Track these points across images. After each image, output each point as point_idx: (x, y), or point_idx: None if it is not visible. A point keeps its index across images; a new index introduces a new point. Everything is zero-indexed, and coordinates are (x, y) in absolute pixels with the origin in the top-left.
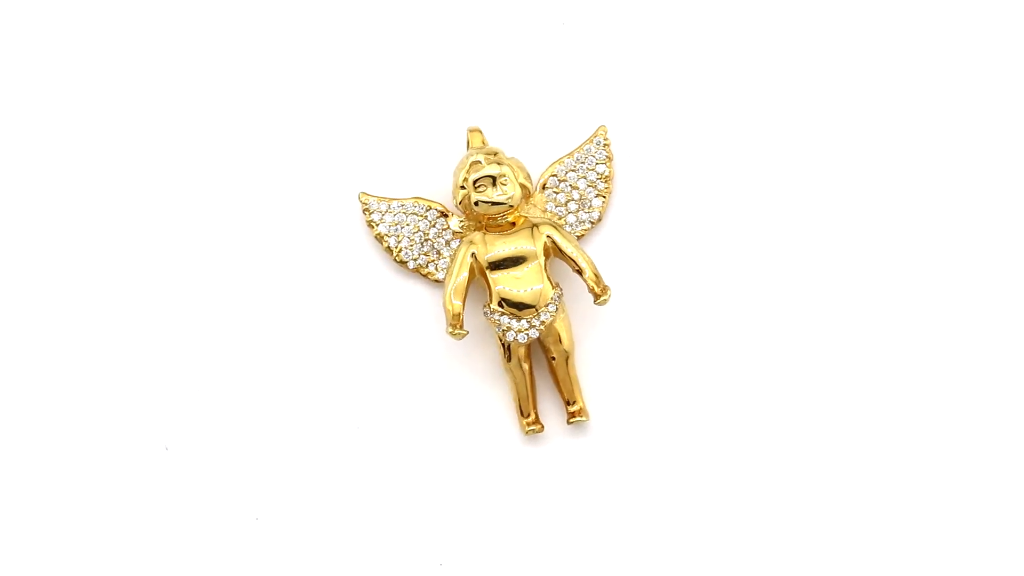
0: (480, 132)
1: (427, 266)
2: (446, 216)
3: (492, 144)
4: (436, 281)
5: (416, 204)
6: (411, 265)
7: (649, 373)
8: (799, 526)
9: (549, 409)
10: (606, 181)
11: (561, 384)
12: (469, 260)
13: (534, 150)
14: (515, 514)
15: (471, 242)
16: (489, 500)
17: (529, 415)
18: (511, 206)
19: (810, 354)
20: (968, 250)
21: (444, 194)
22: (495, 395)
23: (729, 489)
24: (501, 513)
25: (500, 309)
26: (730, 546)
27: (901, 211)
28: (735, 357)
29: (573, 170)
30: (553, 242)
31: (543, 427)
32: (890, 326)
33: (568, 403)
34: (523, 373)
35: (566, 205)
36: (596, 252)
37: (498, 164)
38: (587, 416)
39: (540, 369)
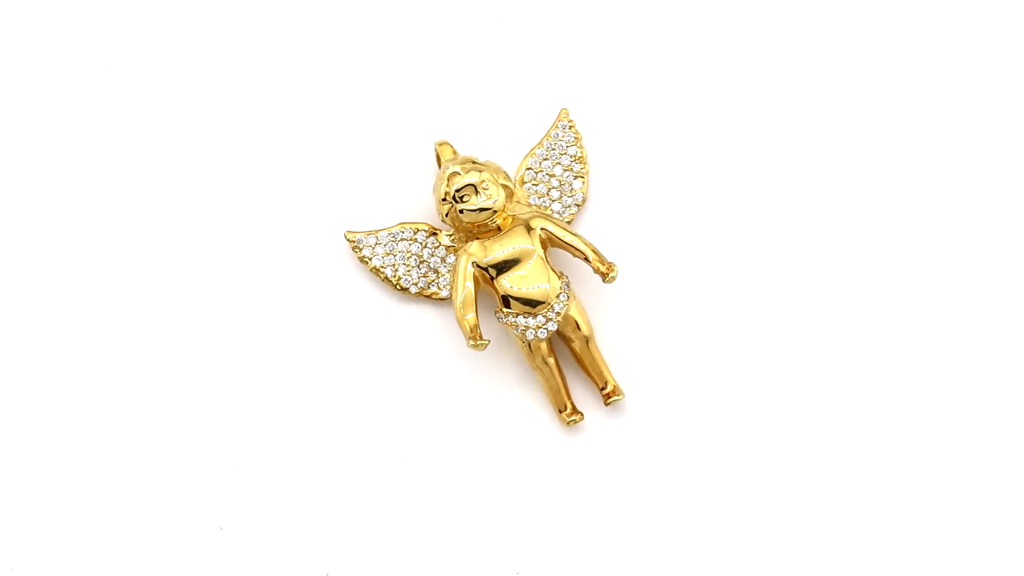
0: (448, 144)
1: (429, 287)
2: (435, 234)
3: (463, 153)
4: (442, 299)
5: (403, 229)
6: (413, 290)
7: (667, 344)
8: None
9: (583, 397)
10: (581, 162)
11: (589, 369)
12: (471, 270)
13: (502, 148)
14: (577, 506)
15: (468, 252)
16: (548, 497)
17: (566, 407)
18: (497, 210)
19: (816, 312)
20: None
21: (425, 212)
22: (529, 396)
23: (770, 450)
24: (564, 509)
25: (513, 310)
26: (781, 512)
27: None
28: (745, 319)
29: (546, 159)
30: (548, 234)
31: (582, 415)
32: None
33: (601, 387)
34: (550, 368)
35: (548, 194)
36: (589, 232)
37: (476, 171)
38: (622, 394)
39: (565, 360)
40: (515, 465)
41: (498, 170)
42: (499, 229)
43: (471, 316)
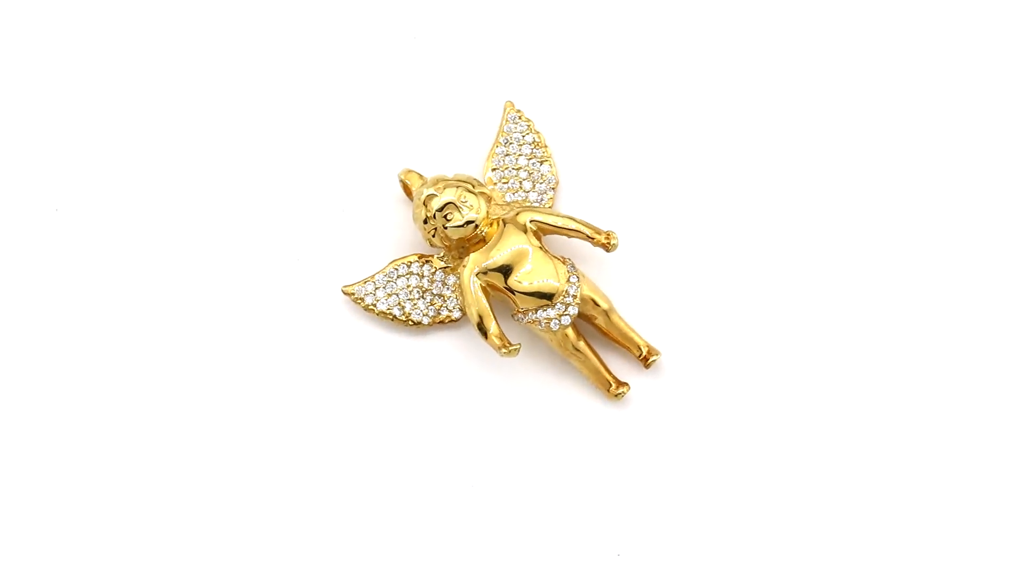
0: (413, 171)
1: (440, 313)
2: (428, 261)
3: (429, 175)
4: (455, 321)
5: (396, 266)
6: (426, 321)
7: (681, 303)
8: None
9: (621, 369)
10: (541, 146)
11: (619, 339)
12: (477, 282)
13: (461, 154)
14: (649, 470)
15: (469, 266)
16: (621, 469)
17: (610, 384)
18: (482, 219)
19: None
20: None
21: (409, 244)
22: (571, 385)
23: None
24: (639, 476)
25: (530, 308)
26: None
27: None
28: (740, 270)
29: (507, 154)
30: (539, 224)
31: (628, 385)
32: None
33: (637, 353)
34: (584, 352)
35: (521, 186)
36: (574, 210)
37: (451, 187)
38: (658, 352)
39: (594, 339)
40: (582, 449)
41: (470, 180)
42: (485, 242)
43: (494, 326)
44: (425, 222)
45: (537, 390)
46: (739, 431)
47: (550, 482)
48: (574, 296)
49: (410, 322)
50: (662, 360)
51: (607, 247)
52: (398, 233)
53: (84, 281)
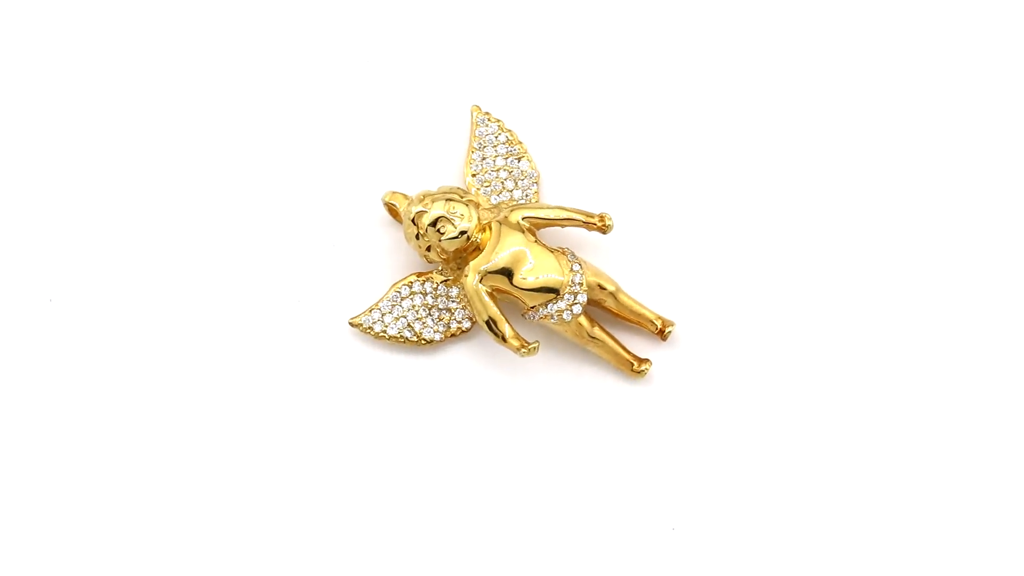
0: (396, 192)
1: (450, 325)
2: (428, 277)
3: (411, 193)
4: (465, 332)
5: (397, 289)
6: (438, 337)
7: (687, 275)
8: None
9: (639, 346)
10: (515, 144)
11: (632, 318)
12: (483, 288)
13: (437, 166)
14: (693, 444)
15: (472, 273)
16: (665, 448)
17: (632, 363)
18: (474, 228)
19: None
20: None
21: (406, 265)
22: (593, 373)
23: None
24: (683, 453)
25: (539, 303)
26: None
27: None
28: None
29: (483, 158)
30: (532, 220)
31: (650, 361)
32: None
33: (652, 329)
34: (600, 338)
35: (504, 186)
36: (560, 199)
37: (440, 201)
38: (672, 322)
39: (607, 323)
40: (618, 432)
41: (455, 191)
42: (480, 249)
43: (508, 329)
44: (418, 238)
45: (560, 384)
46: (765, 393)
47: (593, 470)
48: (580, 284)
49: (422, 341)
50: (677, 331)
51: (603, 229)
52: (392, 256)
53: (85, 352)
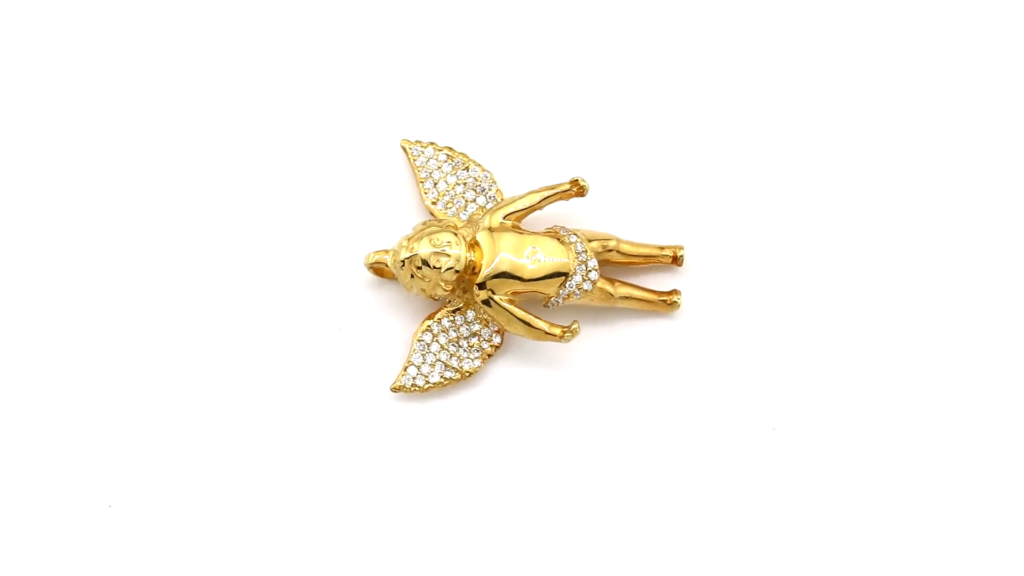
0: (377, 252)
1: (483, 347)
2: (442, 313)
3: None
4: (499, 346)
5: (419, 339)
6: (478, 364)
7: (672, 210)
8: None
9: (659, 283)
10: (457, 156)
11: (643, 258)
12: (501, 298)
13: (393, 210)
14: (749, 356)
15: (484, 289)
16: (727, 368)
17: (663, 301)
18: (463, 260)
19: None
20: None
21: (412, 316)
22: (627, 324)
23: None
24: (741, 368)
25: (557, 287)
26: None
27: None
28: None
29: (435, 183)
30: (511, 216)
31: (678, 291)
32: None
33: (666, 260)
34: (625, 292)
35: (466, 199)
36: (525, 184)
37: (425, 241)
38: (680, 246)
39: (624, 275)
40: (672, 373)
41: (429, 223)
42: (477, 266)
43: (543, 323)
44: (413, 277)
45: (601, 349)
46: (787, 304)
47: (665, 411)
48: (584, 251)
49: (466, 374)
50: (689, 257)
51: (581, 192)
52: (395, 314)
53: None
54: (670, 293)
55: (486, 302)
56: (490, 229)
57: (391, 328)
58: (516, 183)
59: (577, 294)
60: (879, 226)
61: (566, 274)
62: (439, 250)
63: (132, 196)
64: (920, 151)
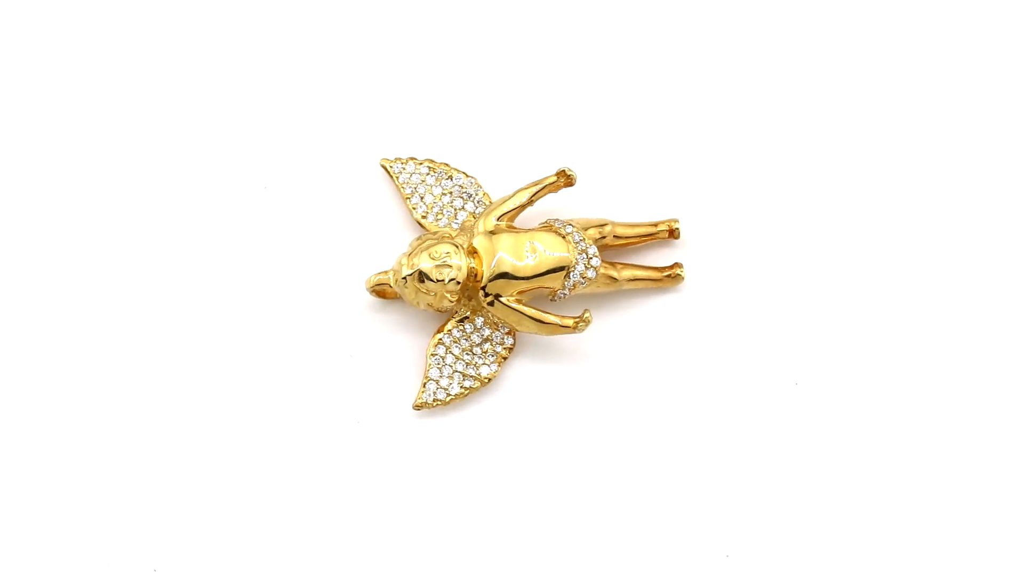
0: (378, 275)
1: (497, 350)
2: (447, 329)
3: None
4: (512, 348)
5: (432, 355)
6: (495, 368)
7: (658, 186)
8: None
9: (659, 259)
10: (439, 167)
11: (639, 238)
12: (511, 300)
13: (383, 229)
14: (754, 318)
15: (489, 297)
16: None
17: (667, 275)
18: (464, 271)
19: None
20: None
21: (419, 330)
22: (636, 304)
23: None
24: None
25: (561, 279)
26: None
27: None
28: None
29: (420, 197)
30: (504, 216)
31: (679, 263)
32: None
33: (662, 236)
34: (629, 273)
35: (455, 207)
36: (509, 190)
37: (422, 253)
38: (675, 219)
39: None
40: (684, 345)
41: (425, 237)
42: (479, 272)
43: (553, 317)
44: (417, 293)
45: (617, 332)
46: (787, 261)
47: (690, 382)
48: (582, 240)
49: (485, 380)
50: (685, 229)
51: (570, 182)
52: (402, 333)
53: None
54: (672, 267)
55: (493, 305)
56: (485, 233)
57: (401, 348)
58: (501, 184)
59: (582, 283)
60: (863, 181)
61: (568, 266)
62: (440, 262)
63: (121, 245)
64: (905, 110)
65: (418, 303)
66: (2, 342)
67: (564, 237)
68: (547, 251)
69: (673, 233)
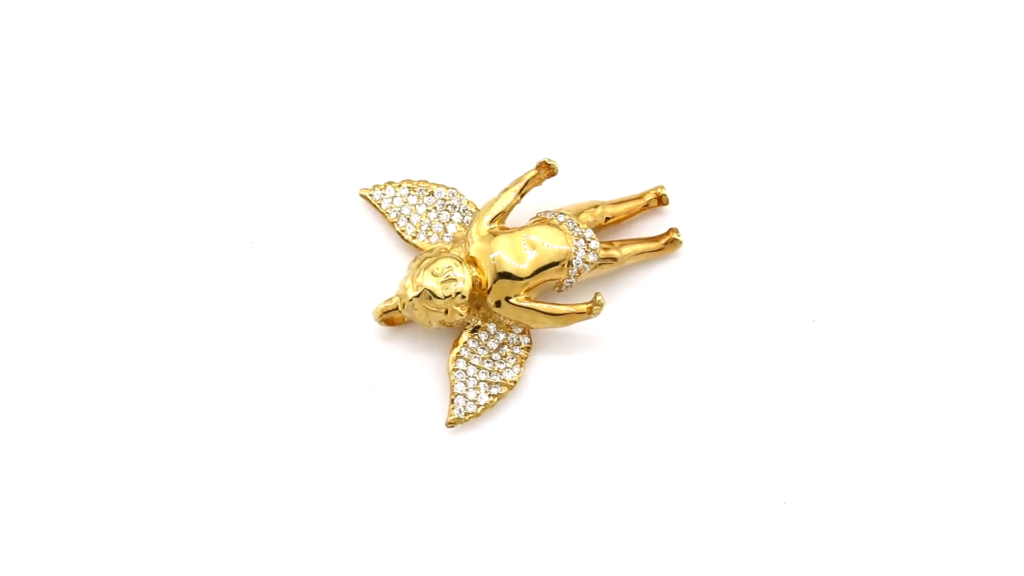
0: (385, 304)
1: (516, 351)
2: (462, 342)
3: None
4: (529, 347)
5: (454, 368)
6: (518, 370)
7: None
8: None
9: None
10: (419, 184)
11: (630, 212)
12: (521, 298)
13: (374, 255)
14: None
15: (500, 298)
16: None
17: (665, 243)
18: (470, 284)
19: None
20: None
21: (434, 351)
22: (641, 276)
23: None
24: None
25: (566, 272)
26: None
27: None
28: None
29: (407, 219)
30: (496, 218)
31: (675, 228)
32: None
33: (652, 205)
34: (630, 249)
35: (443, 220)
36: (489, 195)
37: (423, 271)
38: (660, 186)
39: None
40: (692, 311)
41: (421, 257)
42: (482, 279)
43: (565, 307)
44: (427, 312)
45: (628, 309)
46: (779, 211)
47: (708, 343)
48: (577, 226)
49: (510, 384)
50: (673, 199)
51: (552, 173)
52: (417, 355)
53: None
54: (668, 232)
55: (502, 307)
56: (481, 239)
57: (420, 370)
58: (481, 188)
59: (586, 268)
60: (839, 127)
61: (568, 254)
62: (444, 278)
63: (126, 288)
64: (891, 62)
65: (429, 322)
66: None
67: (559, 227)
68: (545, 244)
69: (662, 200)
